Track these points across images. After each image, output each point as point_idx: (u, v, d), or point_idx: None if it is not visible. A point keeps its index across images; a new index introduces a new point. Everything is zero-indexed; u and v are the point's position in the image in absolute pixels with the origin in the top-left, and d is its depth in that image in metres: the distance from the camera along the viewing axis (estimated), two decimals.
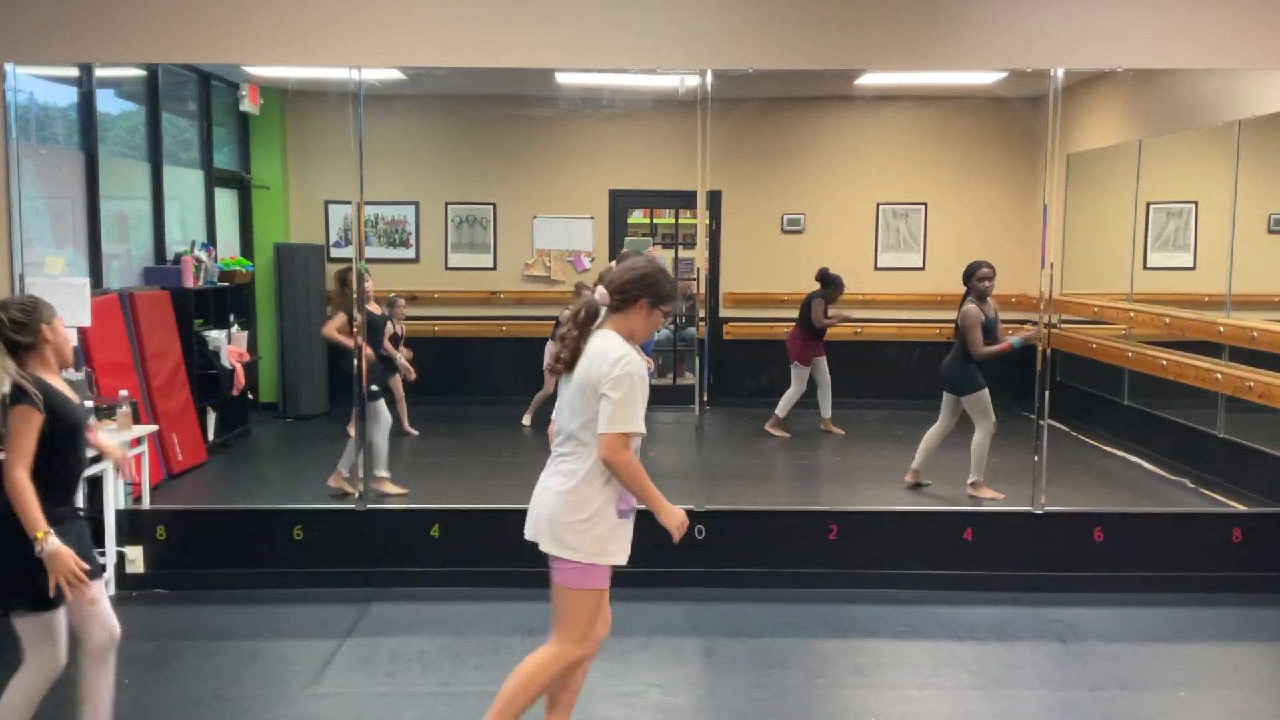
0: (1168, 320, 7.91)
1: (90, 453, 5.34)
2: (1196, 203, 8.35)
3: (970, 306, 6.89)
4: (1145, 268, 8.60)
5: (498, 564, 5.60)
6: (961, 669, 4.82)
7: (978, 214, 10.45)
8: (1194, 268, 8.35)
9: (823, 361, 9.11)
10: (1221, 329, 7.15)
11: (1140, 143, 8.54)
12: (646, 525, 5.90)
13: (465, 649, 4.92)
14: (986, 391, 6.92)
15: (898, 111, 10.22)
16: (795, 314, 9.23)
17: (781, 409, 9.04)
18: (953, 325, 7.10)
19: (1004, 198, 10.37)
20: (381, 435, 6.79)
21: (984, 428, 6.93)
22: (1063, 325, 9.25)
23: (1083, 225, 9.41)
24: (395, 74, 7.39)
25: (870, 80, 8.69)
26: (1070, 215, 9.30)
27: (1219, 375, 7.09)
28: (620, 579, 5.73)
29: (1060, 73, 5.84)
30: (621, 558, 3.52)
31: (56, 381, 3.57)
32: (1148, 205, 8.57)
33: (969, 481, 6.98)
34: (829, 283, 9.05)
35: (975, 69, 6.50)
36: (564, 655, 3.54)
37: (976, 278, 6.93)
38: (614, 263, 7.07)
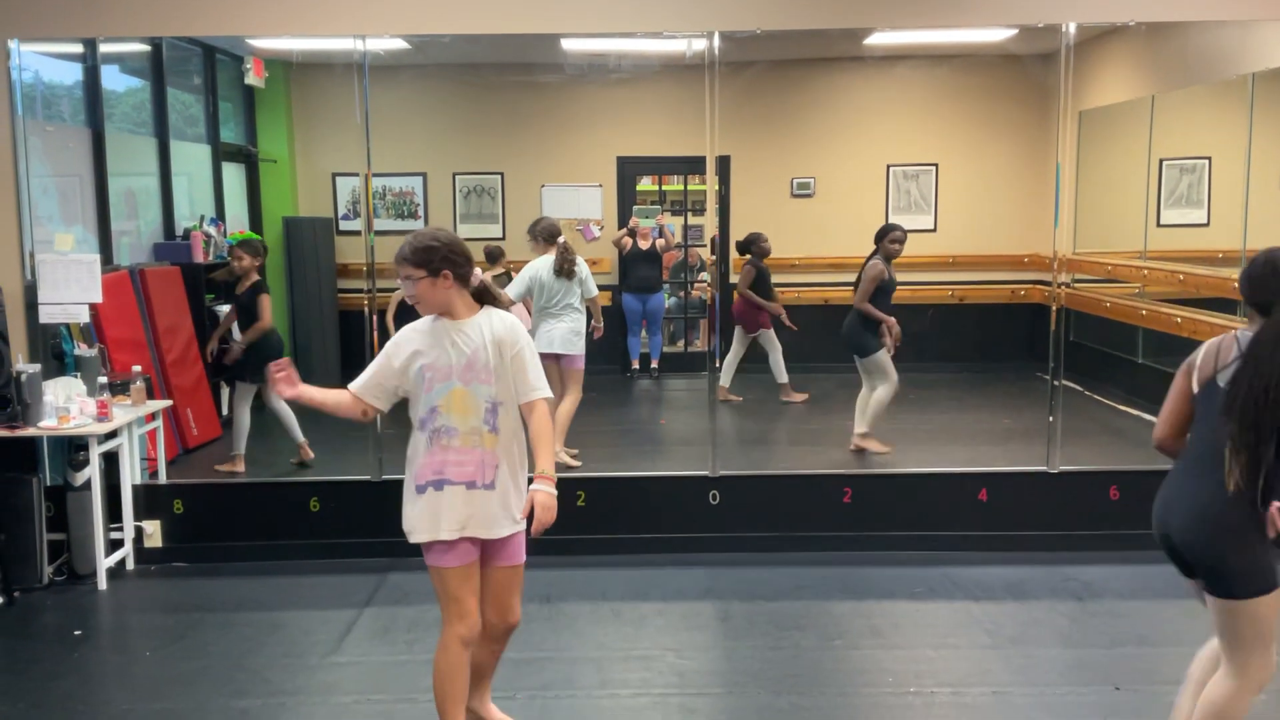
0: (1182, 277, 7.85)
1: (106, 427, 5.39)
2: (1210, 158, 8.27)
3: (876, 262, 7.02)
4: (1159, 225, 8.53)
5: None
6: (978, 629, 4.82)
7: (989, 174, 10.37)
8: (1208, 224, 8.28)
9: (769, 333, 8.99)
10: (1235, 285, 7.09)
11: (1153, 98, 8.45)
12: (662, 493, 5.93)
13: None
14: (884, 352, 7.01)
15: (908, 71, 10.12)
16: (806, 279, 9.19)
17: (780, 375, 8.97)
18: (854, 286, 7.14)
19: (1016, 157, 10.28)
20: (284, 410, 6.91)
21: (887, 386, 7.05)
22: (1076, 284, 9.20)
23: (1095, 183, 9.33)
24: (400, 43, 7.34)
25: (879, 39, 8.60)
26: (1083, 173, 9.21)
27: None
28: (635, 545, 5.79)
29: (1072, 28, 5.77)
30: (423, 535, 3.41)
31: None
32: (1161, 161, 8.48)
33: (857, 432, 7.08)
34: (747, 248, 8.94)
35: (985, 25, 6.43)
36: (443, 636, 3.50)
37: (889, 239, 7.05)
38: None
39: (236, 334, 8.35)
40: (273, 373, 3.39)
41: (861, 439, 7.08)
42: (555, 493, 3.39)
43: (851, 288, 7.18)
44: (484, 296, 3.50)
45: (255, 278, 6.85)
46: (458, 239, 3.46)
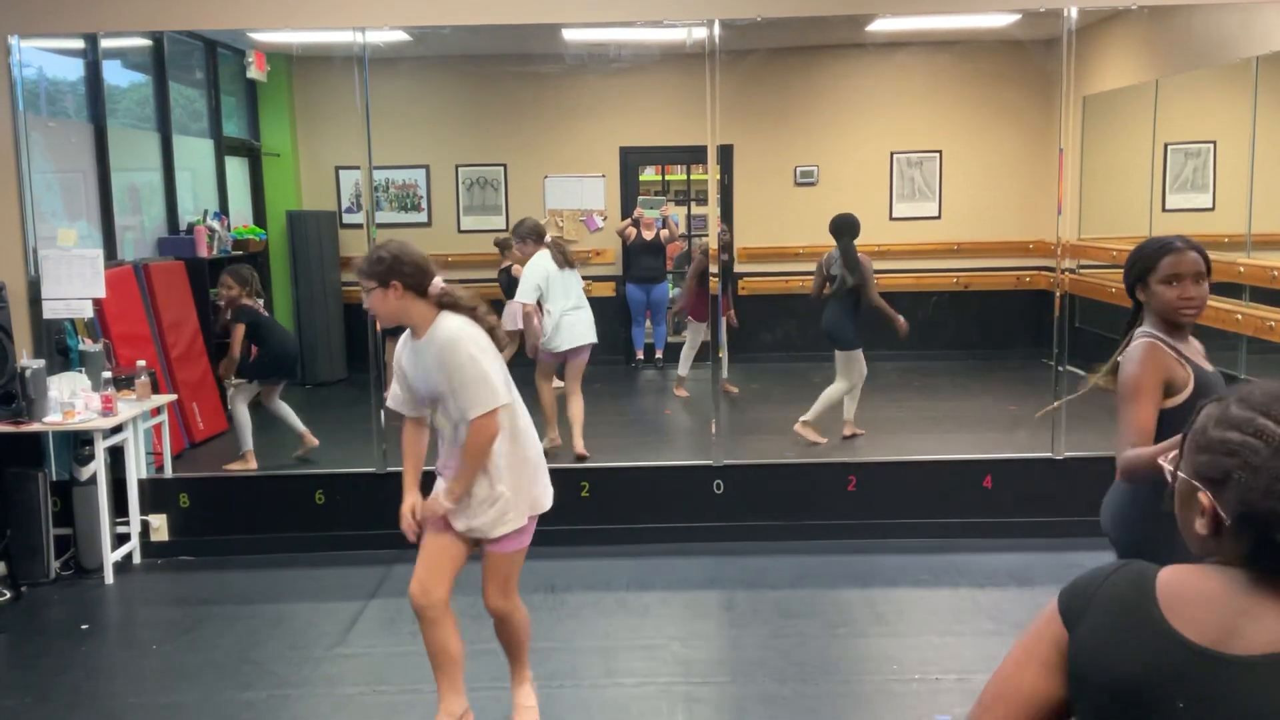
0: None
1: (111, 422, 5.39)
2: (1215, 142, 8.23)
3: (865, 256, 7.00)
4: (1164, 210, 8.50)
5: None
6: (983, 615, 4.82)
7: (993, 160, 10.33)
8: (1213, 208, 8.24)
9: (702, 325, 8.88)
10: (1242, 269, 7.07)
11: (1157, 82, 8.41)
12: (665, 483, 5.93)
13: None
14: (861, 350, 7.05)
15: (910, 57, 10.08)
16: (811, 267, 9.13)
17: (684, 366, 8.94)
18: (832, 277, 7.16)
19: (1020, 143, 10.24)
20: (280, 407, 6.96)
21: (845, 383, 7.06)
22: (1081, 270, 9.17)
23: (1100, 168, 9.29)
24: (400, 35, 7.35)
25: (881, 26, 8.56)
26: (1087, 158, 9.17)
27: (1240, 316, 7.01)
28: (639, 535, 5.79)
29: (1074, 12, 5.74)
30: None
31: None
32: (1165, 146, 8.45)
33: (802, 420, 7.06)
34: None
35: (988, 10, 6.41)
36: None
37: (857, 228, 7.08)
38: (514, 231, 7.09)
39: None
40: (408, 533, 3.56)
41: (803, 426, 7.09)
42: (449, 506, 3.45)
43: (824, 287, 7.18)
44: (444, 303, 3.46)
45: (241, 303, 6.80)
46: (409, 250, 3.43)
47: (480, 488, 3.45)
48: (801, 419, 7.11)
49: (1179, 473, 1.41)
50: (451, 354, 3.35)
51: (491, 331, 3.48)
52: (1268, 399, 1.34)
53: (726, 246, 8.91)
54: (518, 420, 3.52)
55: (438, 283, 3.44)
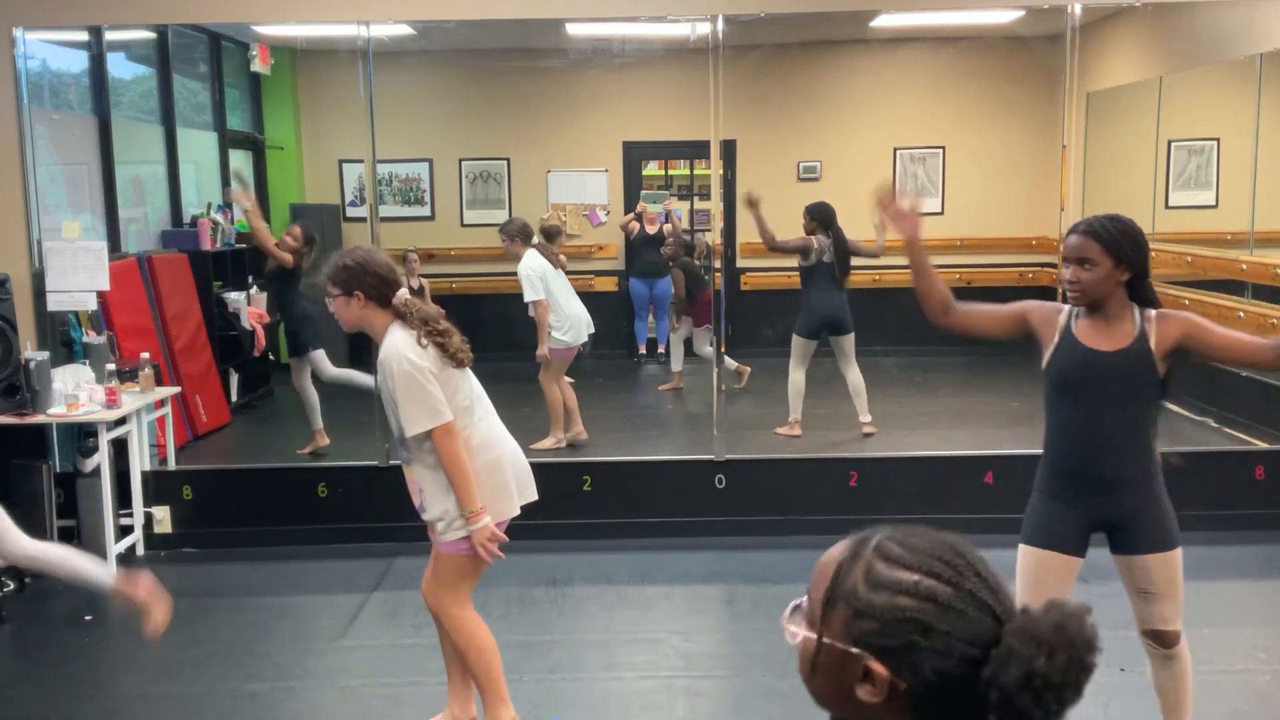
0: (1190, 259, 7.82)
1: (115, 414, 5.41)
2: (1218, 139, 8.22)
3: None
4: (1167, 207, 8.50)
5: (521, 516, 5.63)
6: None
7: (997, 156, 10.33)
8: (1216, 205, 8.24)
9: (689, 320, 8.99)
10: (1244, 267, 7.07)
11: (1161, 79, 8.41)
12: (667, 477, 5.94)
13: (489, 600, 4.96)
14: None
15: (913, 53, 10.08)
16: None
17: (677, 361, 8.98)
18: (844, 262, 7.19)
19: (1023, 139, 10.23)
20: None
21: (855, 365, 7.11)
22: None
23: (1103, 165, 9.28)
24: (404, 29, 7.36)
25: (885, 22, 8.57)
26: (1090, 155, 9.17)
27: (1242, 314, 7.02)
28: (641, 529, 5.81)
29: (1078, 9, 5.74)
30: None
31: None
32: (1169, 143, 8.45)
33: (863, 423, 7.09)
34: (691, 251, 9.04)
35: (992, 7, 6.41)
36: None
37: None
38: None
39: (244, 320, 8.39)
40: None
41: (867, 426, 7.11)
42: (485, 522, 3.37)
43: (820, 273, 7.21)
44: (398, 314, 3.41)
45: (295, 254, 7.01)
46: (376, 259, 3.39)
47: (434, 489, 3.43)
48: (862, 421, 7.11)
49: (823, 638, 1.24)
50: (387, 371, 3.33)
51: (443, 346, 3.37)
52: (919, 556, 1.21)
53: (687, 247, 8.98)
54: (473, 432, 3.46)
55: (402, 294, 3.41)
